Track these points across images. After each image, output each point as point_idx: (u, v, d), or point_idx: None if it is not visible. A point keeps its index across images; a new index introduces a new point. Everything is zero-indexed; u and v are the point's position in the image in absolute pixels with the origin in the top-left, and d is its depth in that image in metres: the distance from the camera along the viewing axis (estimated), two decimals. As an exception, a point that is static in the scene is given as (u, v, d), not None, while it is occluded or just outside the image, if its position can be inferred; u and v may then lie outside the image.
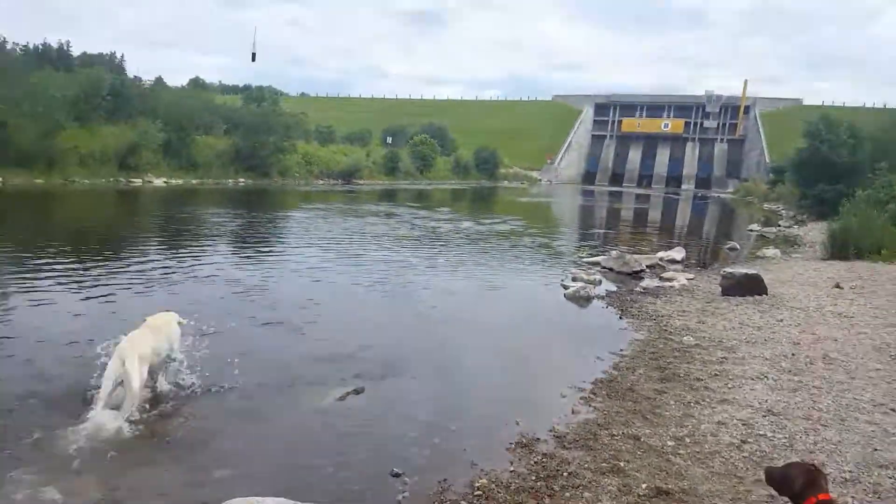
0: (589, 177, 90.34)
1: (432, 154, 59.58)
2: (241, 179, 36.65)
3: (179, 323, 5.44)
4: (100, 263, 10.49)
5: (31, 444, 4.17)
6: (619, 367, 6.51)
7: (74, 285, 8.68)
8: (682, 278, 11.42)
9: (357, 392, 5.44)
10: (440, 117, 79.61)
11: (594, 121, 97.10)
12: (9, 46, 29.08)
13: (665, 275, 11.95)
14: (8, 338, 6.25)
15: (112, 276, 9.49)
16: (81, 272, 9.58)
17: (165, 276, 9.73)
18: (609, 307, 9.25)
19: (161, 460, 4.15)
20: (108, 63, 52.96)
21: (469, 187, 53.89)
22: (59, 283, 8.69)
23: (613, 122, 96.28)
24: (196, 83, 71.94)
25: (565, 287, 10.26)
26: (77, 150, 28.89)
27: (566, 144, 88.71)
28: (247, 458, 4.25)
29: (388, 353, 6.62)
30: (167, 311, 5.54)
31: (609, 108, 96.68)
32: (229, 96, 63.61)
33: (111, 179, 29.19)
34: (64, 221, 17.26)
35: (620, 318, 8.65)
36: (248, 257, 12.62)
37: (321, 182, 42.97)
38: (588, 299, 9.63)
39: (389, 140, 64.85)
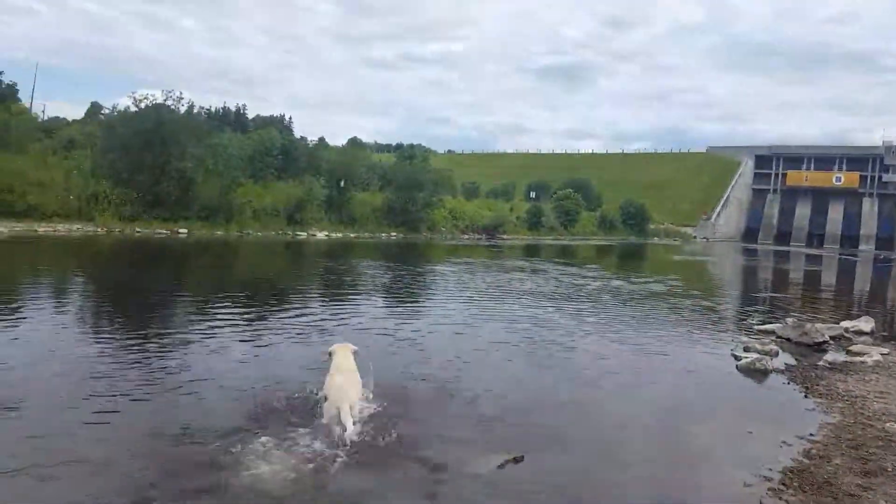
0: (750, 234, 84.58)
1: (576, 209, 58.84)
2: (394, 233, 38.19)
3: (355, 353, 6.06)
4: (266, 311, 11.19)
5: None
6: (811, 455, 5.75)
7: (245, 331, 9.25)
8: (874, 353, 10.11)
9: (517, 461, 5.19)
10: (584, 171, 78.89)
11: (755, 174, 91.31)
12: (195, 110, 32.74)
13: (853, 348, 10.65)
14: (200, 379, 6.70)
15: (276, 323, 10.05)
16: (251, 319, 10.25)
17: (322, 325, 10.15)
18: (791, 383, 8.33)
19: None
20: (278, 124, 58.16)
21: (616, 243, 52.39)
22: (232, 328, 9.32)
23: (777, 175, 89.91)
24: (354, 142, 76.90)
25: (737, 357, 9.42)
26: (251, 204, 31.74)
27: (724, 199, 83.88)
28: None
29: (541, 419, 6.32)
30: (345, 343, 6.15)
31: (771, 161, 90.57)
32: (383, 154, 67.29)
33: (280, 232, 31.58)
34: (239, 270, 18.73)
35: (806, 396, 7.74)
36: (398, 310, 12.88)
37: (466, 236, 43.73)
38: (765, 373, 8.75)
39: (533, 195, 65.00)
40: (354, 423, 5.34)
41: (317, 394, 5.94)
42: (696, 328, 12.52)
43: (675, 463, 5.57)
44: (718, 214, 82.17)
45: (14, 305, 10.58)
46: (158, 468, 4.64)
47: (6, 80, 38.94)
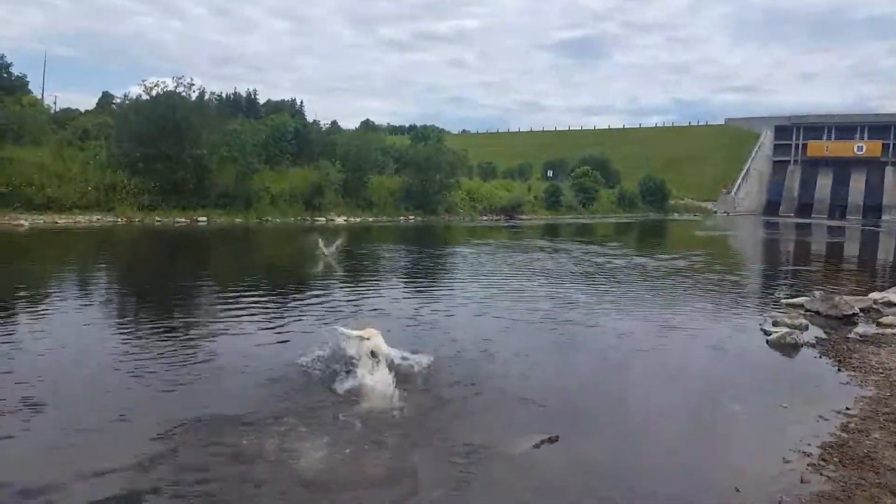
0: (771, 207, 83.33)
1: (595, 186, 58.22)
2: (411, 216, 38.10)
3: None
4: (287, 295, 11.21)
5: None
6: (849, 430, 5.64)
7: (271, 316, 9.26)
8: (906, 324, 9.91)
9: (551, 441, 5.13)
10: (602, 148, 77.93)
11: (774, 145, 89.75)
12: (206, 97, 32.69)
13: (884, 320, 10.44)
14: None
15: (297, 306, 10.05)
16: (272, 303, 10.26)
17: (343, 307, 10.14)
18: (823, 357, 8.17)
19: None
20: (290, 109, 58.05)
21: (636, 220, 51.93)
22: (259, 314, 9.33)
23: (797, 146, 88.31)
24: (367, 125, 76.55)
25: (766, 332, 9.26)
26: (269, 191, 31.76)
27: (743, 172, 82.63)
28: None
29: (572, 398, 6.28)
30: (369, 326, 6.60)
31: (791, 131, 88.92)
32: (397, 137, 66.95)
33: (298, 218, 31.64)
34: (260, 256, 18.78)
35: (839, 370, 7.59)
36: (419, 291, 12.83)
37: (485, 218, 43.54)
38: (796, 347, 8.59)
39: (550, 174, 64.47)
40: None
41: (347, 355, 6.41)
42: (722, 304, 12.35)
43: (710, 441, 5.48)
44: (738, 188, 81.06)
45: (45, 296, 10.68)
46: (194, 455, 4.64)
47: (16, 71, 39.01)
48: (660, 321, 10.28)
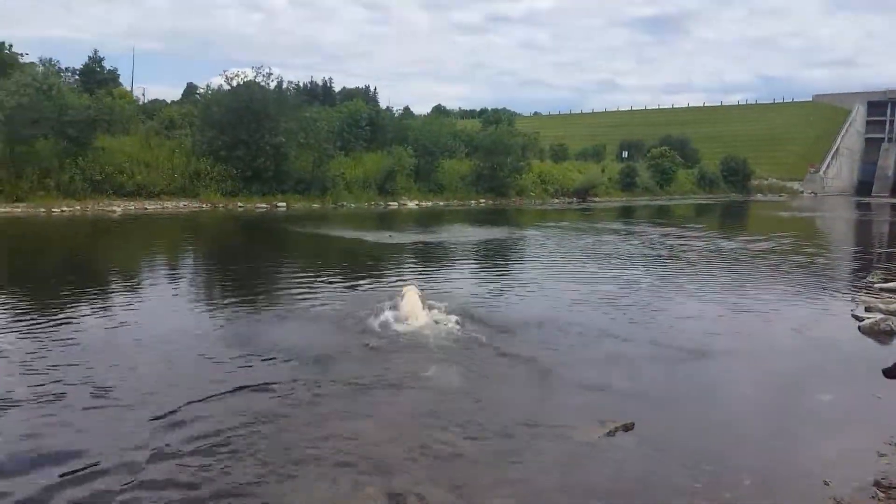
0: (863, 187, 78.49)
1: (673, 167, 56.37)
2: (482, 200, 38.06)
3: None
4: (360, 278, 11.42)
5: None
6: (954, 422, 5.31)
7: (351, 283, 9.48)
8: None
9: (626, 428, 5.06)
10: (680, 127, 75.33)
11: (867, 122, 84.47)
12: (284, 86, 33.54)
13: None
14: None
15: (368, 285, 10.23)
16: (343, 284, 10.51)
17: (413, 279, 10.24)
18: (922, 345, 7.71)
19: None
20: (363, 96, 58.83)
21: (717, 202, 50.11)
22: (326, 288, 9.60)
23: (892, 122, 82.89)
24: (438, 110, 76.73)
25: (858, 318, 8.79)
26: (343, 177, 32.44)
27: (833, 150, 78.06)
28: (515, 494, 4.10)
29: (648, 384, 6.14)
30: (412, 284, 8.70)
31: (886, 106, 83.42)
32: (468, 121, 66.80)
33: (372, 203, 32.19)
34: (337, 243, 19.22)
35: (940, 359, 7.13)
36: (489, 274, 12.82)
37: (557, 200, 43.00)
38: (891, 334, 8.11)
39: (625, 154, 62.86)
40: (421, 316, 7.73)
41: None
42: (810, 288, 11.81)
43: (796, 430, 5.27)
44: (828, 167, 76.65)
45: (153, 278, 11.31)
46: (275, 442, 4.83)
47: (107, 65, 41.15)
48: (743, 306, 9.94)
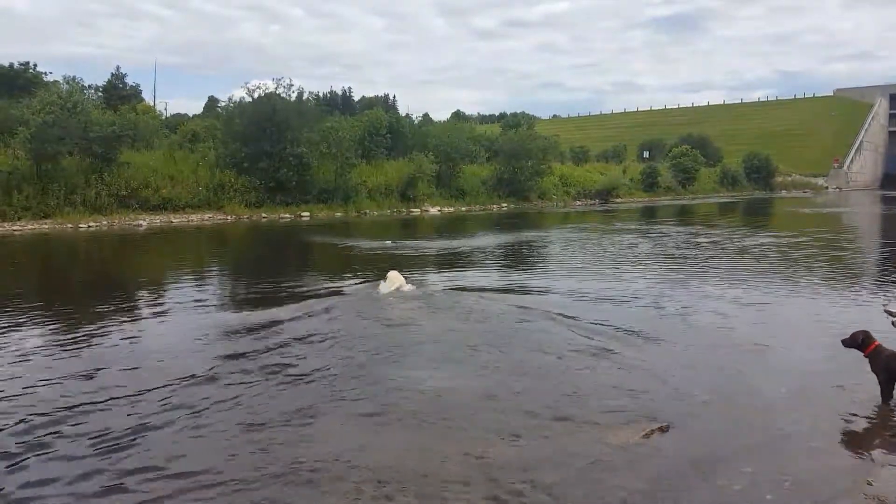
0: (889, 181, 77.33)
1: (695, 166, 55.98)
2: (504, 204, 38.08)
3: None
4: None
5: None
6: None
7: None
8: None
9: (662, 430, 5.04)
10: (701, 126, 74.92)
11: (890, 115, 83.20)
12: (304, 96, 33.91)
13: None
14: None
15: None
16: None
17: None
18: (958, 341, 7.56)
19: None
20: (382, 104, 59.26)
21: (740, 199, 49.58)
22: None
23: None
24: (457, 116, 76.98)
25: (892, 314, 8.66)
26: (365, 184, 32.68)
27: (856, 144, 77.02)
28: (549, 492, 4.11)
29: (680, 386, 6.08)
30: (395, 270, 11.05)
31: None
32: (487, 125, 66.90)
33: (394, 210, 32.37)
34: (358, 249, 19.36)
35: (979, 354, 6.99)
36: (517, 277, 12.81)
37: (579, 203, 42.88)
38: (926, 330, 7.99)
39: (646, 154, 62.55)
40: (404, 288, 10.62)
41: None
42: (840, 284, 11.65)
43: (835, 430, 5.19)
44: (852, 161, 75.63)
45: (178, 292, 11.50)
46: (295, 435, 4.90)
47: (130, 81, 42.03)
48: (774, 303, 9.86)
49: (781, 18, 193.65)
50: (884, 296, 10.24)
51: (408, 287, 10.73)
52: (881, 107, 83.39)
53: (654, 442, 4.88)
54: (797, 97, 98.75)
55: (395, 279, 10.74)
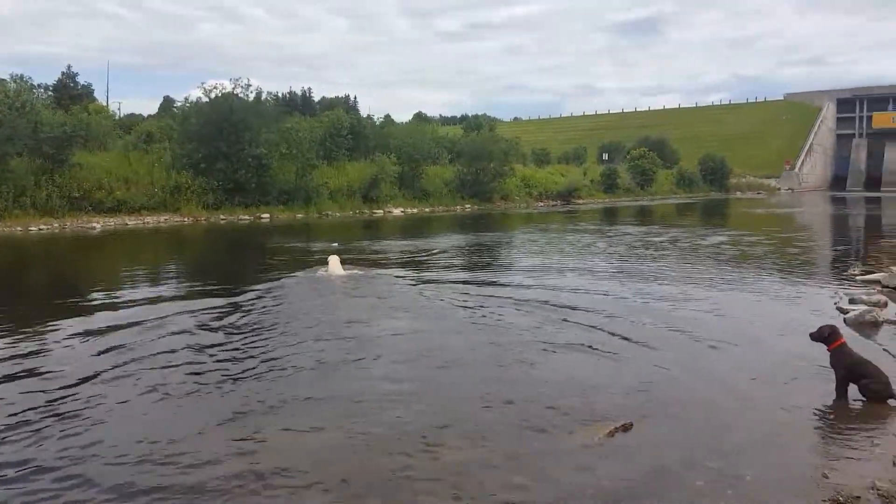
0: (838, 182, 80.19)
1: (653, 168, 57.04)
2: (467, 205, 38.18)
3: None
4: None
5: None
6: (942, 411, 5.39)
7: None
8: None
9: (626, 429, 5.07)
10: (659, 129, 76.28)
11: (837, 118, 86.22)
12: (263, 97, 33.47)
13: (971, 294, 9.91)
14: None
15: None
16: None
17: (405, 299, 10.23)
18: (906, 335, 7.82)
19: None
20: (343, 105, 58.85)
21: (696, 201, 50.63)
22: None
23: (861, 118, 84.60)
24: (419, 117, 76.89)
25: (843, 311, 8.91)
26: (327, 186, 32.37)
27: (806, 147, 79.55)
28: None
29: (643, 385, 6.12)
30: (334, 254, 12.74)
31: (854, 104, 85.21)
32: (450, 127, 67.02)
33: (357, 212, 32.13)
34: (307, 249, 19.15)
35: (925, 348, 7.26)
36: (485, 278, 12.80)
37: (541, 204, 43.23)
38: (877, 325, 8.24)
39: (605, 156, 63.49)
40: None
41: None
42: (794, 282, 11.95)
43: (793, 425, 5.29)
44: (802, 163, 78.08)
45: (126, 296, 11.15)
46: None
47: (82, 80, 40.91)
48: (731, 301, 10.06)
49: (737, 23, 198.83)
50: (835, 293, 10.52)
51: (345, 272, 12.20)
52: (829, 111, 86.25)
53: (618, 440, 4.90)
54: (750, 101, 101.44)
55: (333, 264, 12.24)
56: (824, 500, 3.95)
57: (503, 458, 4.57)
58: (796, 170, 76.59)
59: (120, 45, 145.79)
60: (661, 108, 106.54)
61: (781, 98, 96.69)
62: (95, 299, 10.61)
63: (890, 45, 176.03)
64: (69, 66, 41.08)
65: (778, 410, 5.55)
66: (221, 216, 27.85)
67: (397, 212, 33.82)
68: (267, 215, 28.91)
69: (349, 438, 4.86)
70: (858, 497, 3.97)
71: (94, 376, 6.29)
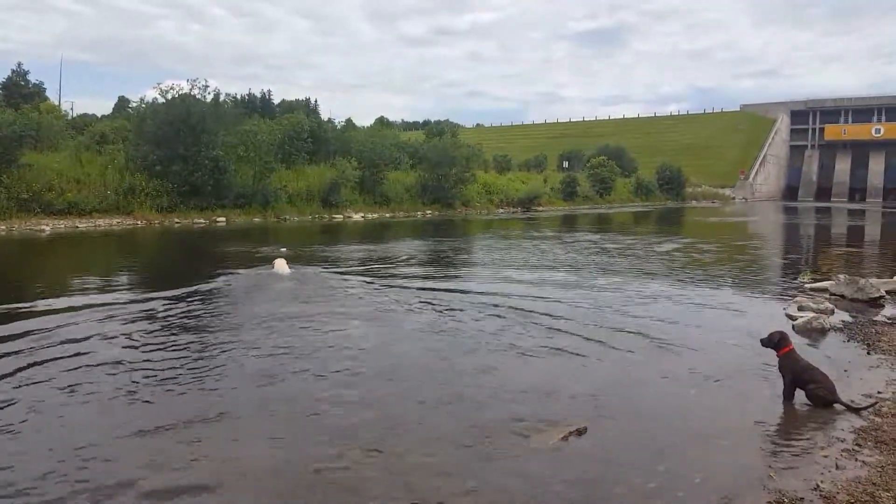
0: (790, 192, 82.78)
1: (611, 176, 57.97)
2: (429, 211, 38.17)
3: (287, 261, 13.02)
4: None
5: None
6: (883, 413, 5.56)
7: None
8: (936, 306, 9.74)
9: (580, 433, 5.09)
10: (618, 138, 77.68)
11: (791, 130, 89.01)
12: (221, 98, 32.97)
13: (912, 302, 10.28)
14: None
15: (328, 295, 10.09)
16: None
17: (368, 305, 10.12)
18: (851, 341, 8.06)
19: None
20: (304, 108, 58.29)
21: (653, 209, 51.59)
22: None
23: (814, 130, 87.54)
24: (381, 122, 76.64)
25: (792, 318, 9.14)
26: (286, 189, 32.00)
27: (760, 158, 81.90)
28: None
29: (597, 390, 6.17)
30: (281, 258, 13.10)
31: (808, 115, 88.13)
32: (412, 132, 67.02)
33: (316, 216, 31.81)
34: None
35: (868, 353, 7.49)
36: (440, 284, 12.78)
37: (502, 210, 43.51)
38: (823, 332, 8.48)
39: (566, 164, 64.27)
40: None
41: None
42: (744, 290, 12.23)
43: (741, 428, 5.39)
44: (756, 173, 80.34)
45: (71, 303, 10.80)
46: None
47: (33, 79, 39.73)
48: (683, 306, 10.23)
49: (695, 35, 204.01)
50: (784, 300, 10.80)
51: (289, 271, 12.74)
52: (783, 122, 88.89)
53: (572, 444, 4.93)
54: (707, 112, 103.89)
55: (279, 265, 12.78)
56: (769, 502, 4.02)
57: (455, 463, 4.55)
58: (750, 180, 78.76)
59: (73, 41, 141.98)
60: (621, 117, 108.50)
61: (738, 109, 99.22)
62: (33, 304, 10.23)
63: (840, 58, 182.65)
64: (19, 64, 39.93)
65: (727, 414, 5.65)
66: (176, 219, 27.28)
67: (357, 216, 33.62)
68: (223, 219, 28.42)
69: (291, 446, 4.77)
70: (802, 498, 4.07)
71: (10, 375, 6.10)
